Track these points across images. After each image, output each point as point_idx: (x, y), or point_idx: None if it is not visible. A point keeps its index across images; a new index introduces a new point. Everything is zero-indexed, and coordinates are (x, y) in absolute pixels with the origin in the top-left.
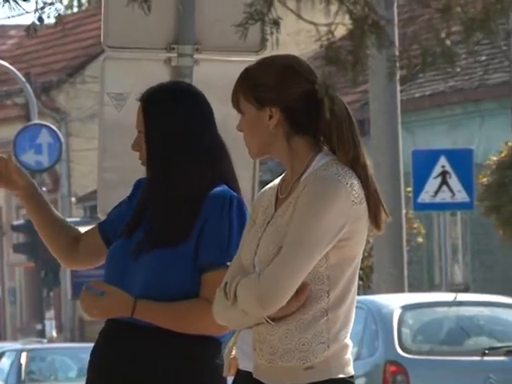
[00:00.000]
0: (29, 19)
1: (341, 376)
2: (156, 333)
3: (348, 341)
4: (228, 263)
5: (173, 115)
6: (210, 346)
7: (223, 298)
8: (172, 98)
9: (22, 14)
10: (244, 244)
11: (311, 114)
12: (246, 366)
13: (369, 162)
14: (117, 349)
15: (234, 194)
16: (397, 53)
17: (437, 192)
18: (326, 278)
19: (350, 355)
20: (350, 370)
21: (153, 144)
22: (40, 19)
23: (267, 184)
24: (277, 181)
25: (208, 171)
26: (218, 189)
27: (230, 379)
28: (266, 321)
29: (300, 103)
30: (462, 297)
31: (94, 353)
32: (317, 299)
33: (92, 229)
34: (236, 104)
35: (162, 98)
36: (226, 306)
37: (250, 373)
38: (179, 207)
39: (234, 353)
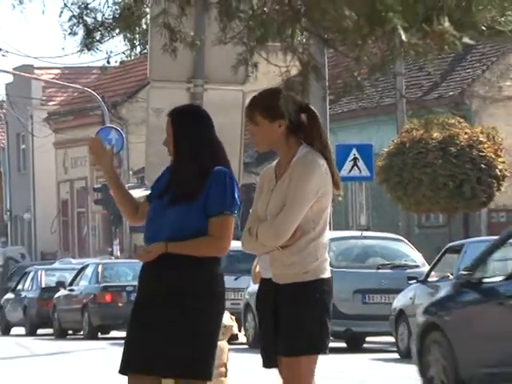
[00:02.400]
0: (102, 62)
1: (323, 276)
2: (180, 259)
3: (327, 256)
4: (226, 211)
5: (190, 125)
6: (215, 263)
7: (248, 236)
8: (191, 115)
9: (99, 59)
10: (258, 204)
11: (299, 123)
12: (266, 275)
13: (331, 149)
14: (158, 267)
15: (227, 170)
16: (327, 84)
17: (350, 170)
18: (311, 220)
19: (328, 265)
20: (329, 274)
21: (179, 142)
22: (108, 62)
23: (248, 165)
24: (273, 165)
25: (210, 157)
26: (217, 167)
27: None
28: (278, 248)
29: (294, 117)
30: (366, 233)
31: (144, 270)
32: (307, 233)
33: (144, 201)
34: (252, 118)
35: (184, 114)
36: (252, 241)
37: (268, 279)
38: (193, 179)
39: (257, 269)
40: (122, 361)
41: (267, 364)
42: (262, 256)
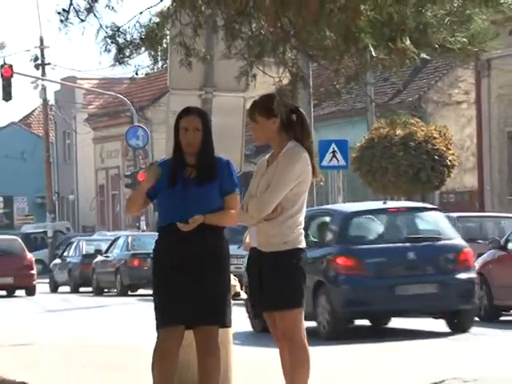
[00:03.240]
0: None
1: (300, 246)
2: (204, 228)
3: (302, 230)
4: (236, 190)
5: (210, 124)
6: (223, 231)
7: (241, 210)
8: (208, 116)
9: (129, 71)
10: (252, 185)
11: (289, 121)
12: (253, 243)
13: (313, 144)
14: (189, 235)
15: (227, 159)
16: (312, 91)
17: (330, 160)
18: (290, 199)
19: (303, 238)
20: (304, 244)
21: (207, 137)
22: (136, 74)
23: (248, 156)
24: (266, 156)
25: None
26: (221, 157)
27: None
28: (263, 221)
29: (285, 117)
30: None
31: (169, 240)
32: (286, 210)
33: (145, 197)
34: (252, 117)
35: (206, 115)
36: (243, 213)
37: (255, 247)
38: (210, 165)
39: (247, 239)
40: (159, 315)
41: (254, 313)
42: (251, 228)
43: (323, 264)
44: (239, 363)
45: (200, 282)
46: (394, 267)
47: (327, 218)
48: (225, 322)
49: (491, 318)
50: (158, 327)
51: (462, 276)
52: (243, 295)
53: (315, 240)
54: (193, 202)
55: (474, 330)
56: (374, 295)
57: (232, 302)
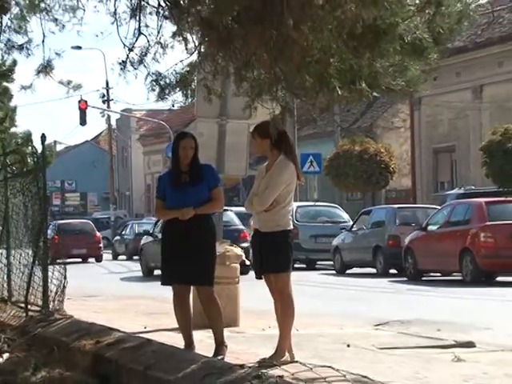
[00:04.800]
0: (169, 106)
1: (289, 228)
2: (201, 217)
3: (290, 217)
4: (218, 185)
5: (197, 143)
6: (210, 217)
7: (249, 203)
8: (195, 138)
9: (168, 105)
10: (254, 185)
11: (279, 140)
12: (256, 226)
13: (297, 157)
14: (187, 221)
15: (209, 164)
16: (296, 119)
17: (309, 167)
18: (282, 196)
19: (291, 222)
20: (291, 226)
21: (196, 152)
22: (173, 106)
23: (251, 164)
24: (264, 165)
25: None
26: (205, 164)
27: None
28: (264, 211)
29: (276, 137)
30: (317, 203)
31: (173, 223)
32: (279, 204)
33: (159, 200)
34: (254, 137)
35: (194, 138)
36: (250, 206)
37: (257, 229)
38: (199, 171)
39: (252, 223)
40: (164, 277)
41: (257, 277)
42: (255, 216)
43: None
44: (246, 309)
45: (193, 250)
46: None
47: None
48: (208, 283)
49: (416, 277)
50: (162, 283)
51: None
52: (247, 262)
53: None
54: (189, 198)
55: (405, 286)
56: None
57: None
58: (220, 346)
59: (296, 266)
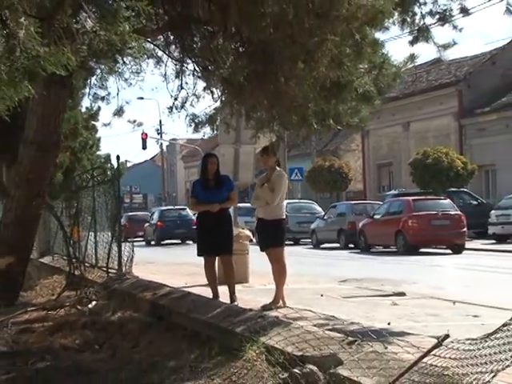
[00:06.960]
0: (201, 136)
1: (282, 217)
2: (223, 210)
3: (283, 209)
4: (234, 189)
5: (219, 161)
6: (228, 210)
7: (254, 199)
8: (217, 157)
9: (201, 136)
10: (255, 190)
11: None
12: (259, 216)
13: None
14: (215, 213)
15: (227, 175)
16: (286, 143)
17: (295, 177)
18: (280, 197)
19: (284, 212)
20: (284, 216)
21: (218, 166)
22: (204, 135)
23: (257, 175)
24: (263, 174)
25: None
26: (225, 174)
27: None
28: (267, 204)
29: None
30: (301, 201)
31: (204, 215)
32: (277, 201)
33: (193, 199)
34: (262, 155)
35: (216, 157)
36: (255, 202)
37: (260, 218)
38: (221, 180)
39: (256, 213)
40: (199, 250)
41: (261, 249)
42: (258, 208)
43: None
44: (253, 271)
45: (218, 232)
46: None
47: None
48: (230, 252)
49: (366, 250)
50: (198, 255)
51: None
52: (254, 240)
53: None
54: (215, 197)
55: (359, 255)
56: None
57: (248, 244)
58: (233, 295)
59: (287, 243)
